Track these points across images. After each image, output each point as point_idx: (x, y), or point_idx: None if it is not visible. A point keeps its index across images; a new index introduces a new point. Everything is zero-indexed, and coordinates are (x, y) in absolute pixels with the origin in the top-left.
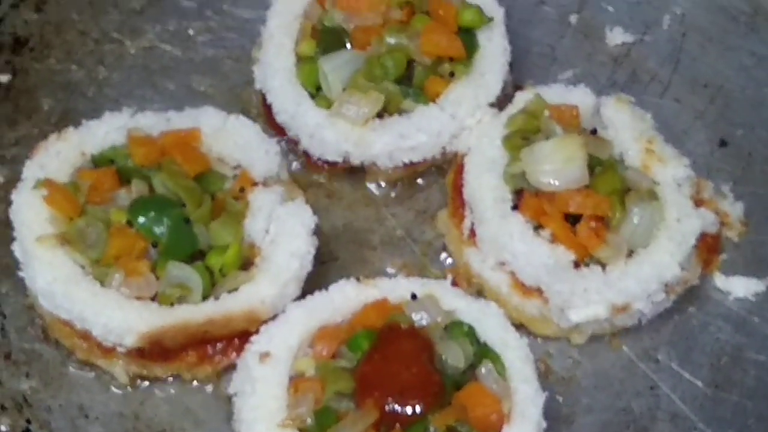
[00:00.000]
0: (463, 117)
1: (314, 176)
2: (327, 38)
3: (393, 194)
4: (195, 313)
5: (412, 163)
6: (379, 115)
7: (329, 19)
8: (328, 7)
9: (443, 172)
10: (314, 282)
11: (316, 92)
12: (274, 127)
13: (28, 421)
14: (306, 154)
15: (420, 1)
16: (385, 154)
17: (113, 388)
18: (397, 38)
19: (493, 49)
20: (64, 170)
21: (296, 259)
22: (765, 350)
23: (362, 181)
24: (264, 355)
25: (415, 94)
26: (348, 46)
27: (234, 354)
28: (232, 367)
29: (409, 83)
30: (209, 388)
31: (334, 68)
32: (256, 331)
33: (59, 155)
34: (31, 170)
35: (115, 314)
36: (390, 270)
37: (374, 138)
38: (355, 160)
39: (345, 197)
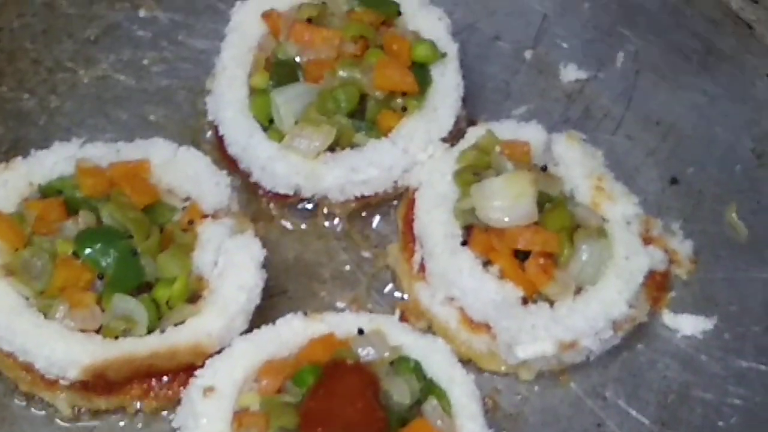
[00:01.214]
0: (414, 151)
1: (265, 209)
2: (280, 71)
3: (344, 228)
4: (140, 346)
5: (363, 197)
6: (331, 149)
7: (283, 51)
8: (282, 40)
9: (395, 206)
10: (263, 315)
11: (268, 125)
12: (226, 159)
13: None
14: (257, 187)
15: (374, 36)
16: (337, 187)
17: (57, 421)
18: (350, 72)
19: (446, 84)
20: (11, 200)
21: (244, 292)
22: (712, 389)
23: (314, 215)
24: (208, 390)
25: (368, 128)
26: (301, 79)
27: (179, 387)
28: (177, 400)
29: (362, 117)
30: (154, 421)
31: (287, 101)
32: (202, 365)
33: (6, 185)
34: None
35: (58, 346)
36: (339, 304)
37: (325, 171)
38: (306, 194)
39: (296, 230)
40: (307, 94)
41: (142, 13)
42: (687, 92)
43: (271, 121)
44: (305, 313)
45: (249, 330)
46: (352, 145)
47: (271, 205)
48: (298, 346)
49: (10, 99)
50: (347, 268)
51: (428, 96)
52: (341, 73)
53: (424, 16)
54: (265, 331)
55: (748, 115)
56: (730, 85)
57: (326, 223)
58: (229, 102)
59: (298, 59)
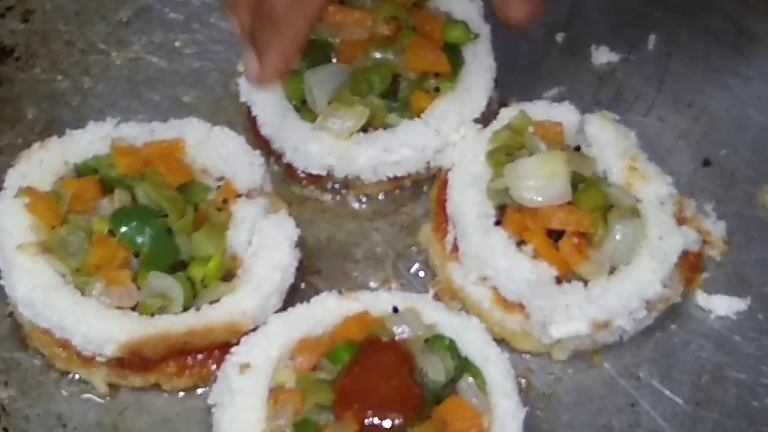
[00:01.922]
0: (447, 132)
1: (298, 189)
2: (313, 52)
3: (377, 208)
4: (175, 323)
5: (396, 177)
6: (364, 130)
7: (316, 33)
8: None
9: (428, 186)
10: (296, 294)
11: (301, 105)
12: (259, 140)
13: (6, 430)
14: (290, 167)
15: (406, 17)
16: (369, 168)
17: (92, 398)
18: (382, 53)
19: (479, 66)
20: (47, 179)
21: (278, 271)
22: (745, 369)
23: (347, 196)
24: (244, 367)
25: (400, 109)
26: (334, 60)
27: (214, 365)
28: (212, 378)
29: (395, 98)
30: (189, 398)
31: (320, 82)
32: (237, 343)
33: (42, 164)
34: (14, 179)
35: (95, 323)
36: (372, 284)
37: (358, 152)
38: (339, 174)
39: (329, 210)
40: (340, 75)
41: None
42: (719, 74)
43: (304, 101)
44: (339, 292)
45: (283, 309)
46: (385, 126)
47: (304, 184)
48: (333, 325)
49: (43, 80)
50: (380, 248)
51: (461, 77)
52: (374, 54)
53: None
54: (299, 310)
55: None
56: (762, 66)
57: (357, 205)
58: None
59: (331, 40)
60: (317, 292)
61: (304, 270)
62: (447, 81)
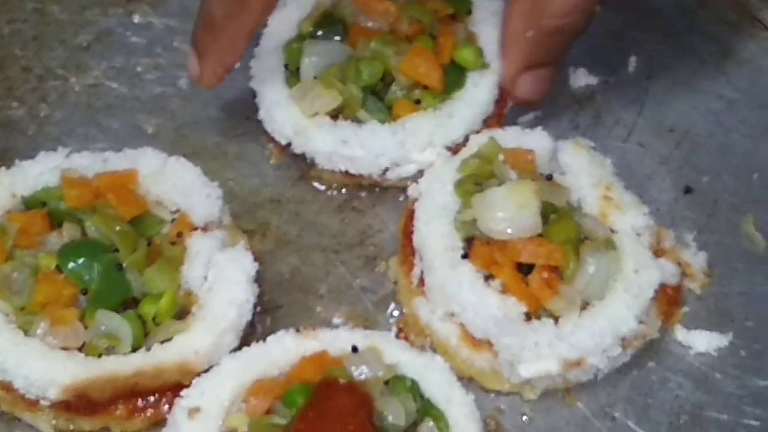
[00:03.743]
0: (411, 148)
1: (261, 219)
2: (325, 23)
3: (343, 240)
4: (124, 364)
5: (348, 173)
6: (335, 116)
7: (340, 8)
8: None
9: (397, 217)
10: (253, 333)
11: (294, 71)
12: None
13: None
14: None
15: (431, 23)
16: (324, 153)
17: None
18: (382, 48)
19: (476, 96)
20: None
21: (234, 307)
22: (726, 409)
23: (312, 226)
24: (193, 411)
25: (379, 110)
26: (342, 39)
27: (166, 407)
28: (163, 421)
29: (381, 97)
30: None
31: (315, 53)
32: (189, 384)
33: None
34: None
35: (37, 365)
36: (336, 320)
37: (316, 134)
38: (297, 149)
39: (293, 242)
40: (337, 54)
41: (136, 19)
42: (702, 97)
43: (298, 68)
44: (298, 330)
45: (239, 348)
46: (355, 119)
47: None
48: (290, 365)
49: None
50: (346, 282)
51: (450, 100)
52: (374, 46)
53: (491, 23)
54: (255, 349)
55: (767, 121)
56: (747, 89)
57: (326, 238)
58: (274, 39)
59: (349, 19)
60: (278, 330)
61: (264, 305)
62: (434, 98)
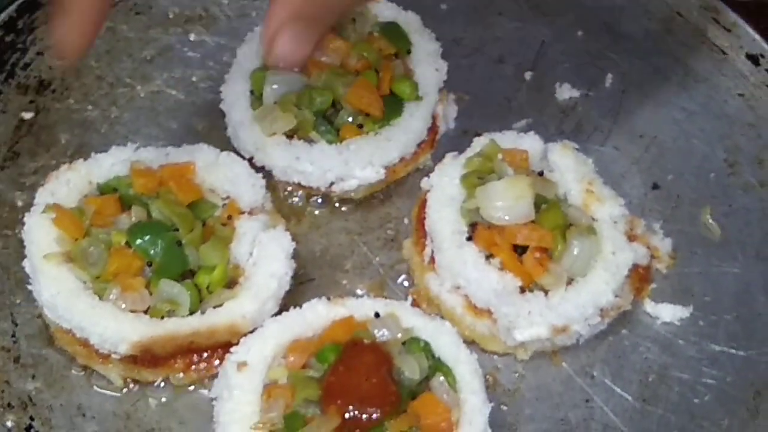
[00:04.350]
0: (353, 166)
1: (295, 206)
2: None
3: (366, 224)
4: (182, 325)
5: (300, 185)
6: (290, 136)
7: None
8: None
9: (411, 205)
10: (292, 300)
11: (259, 96)
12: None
13: (32, 419)
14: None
15: (376, 60)
16: (280, 167)
17: (109, 391)
18: (333, 80)
19: (410, 124)
20: (73, 197)
21: (275, 279)
22: (688, 370)
23: (340, 213)
24: (241, 365)
25: (328, 131)
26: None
27: (217, 362)
28: (215, 373)
29: (330, 121)
30: (194, 392)
31: (275, 82)
32: (237, 343)
33: (69, 183)
34: (43, 196)
35: (110, 325)
36: (359, 291)
37: (274, 151)
38: (258, 163)
39: (323, 226)
40: (294, 83)
41: (192, 37)
42: (667, 109)
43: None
44: (328, 299)
45: (279, 313)
46: (308, 140)
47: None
48: (322, 328)
49: (76, 110)
50: (367, 259)
51: (389, 127)
52: (325, 77)
53: (426, 62)
54: (293, 314)
55: (721, 130)
56: (705, 103)
57: (351, 222)
58: (241, 68)
59: None
60: (310, 299)
61: (299, 278)
62: (375, 124)
